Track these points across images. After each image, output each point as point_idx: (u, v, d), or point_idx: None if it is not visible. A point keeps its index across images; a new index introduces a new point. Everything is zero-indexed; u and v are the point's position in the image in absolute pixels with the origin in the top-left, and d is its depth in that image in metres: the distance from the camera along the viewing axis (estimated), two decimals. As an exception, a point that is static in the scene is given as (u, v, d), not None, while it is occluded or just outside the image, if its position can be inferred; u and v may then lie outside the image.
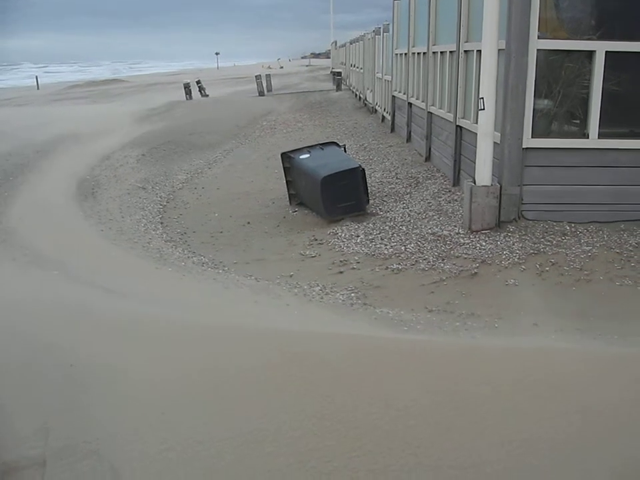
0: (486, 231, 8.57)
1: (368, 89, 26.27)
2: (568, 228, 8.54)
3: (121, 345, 5.10)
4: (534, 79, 8.40)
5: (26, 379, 4.49)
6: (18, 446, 3.61)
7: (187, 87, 33.85)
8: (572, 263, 7.52)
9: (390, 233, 9.19)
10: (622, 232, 8.38)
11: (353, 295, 7.20)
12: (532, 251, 7.89)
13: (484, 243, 8.23)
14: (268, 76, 38.94)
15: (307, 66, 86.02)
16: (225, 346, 5.02)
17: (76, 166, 15.37)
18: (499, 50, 8.46)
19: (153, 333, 5.44)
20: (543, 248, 7.96)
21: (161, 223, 10.93)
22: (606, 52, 8.32)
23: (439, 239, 8.62)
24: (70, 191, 12.73)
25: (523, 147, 8.56)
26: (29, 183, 13.40)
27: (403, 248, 8.49)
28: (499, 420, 3.73)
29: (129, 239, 9.64)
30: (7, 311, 5.99)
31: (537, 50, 8.34)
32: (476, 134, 8.98)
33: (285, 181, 11.69)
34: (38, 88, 52.43)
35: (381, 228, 9.47)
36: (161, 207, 12.06)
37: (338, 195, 10.22)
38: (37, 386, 4.36)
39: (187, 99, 32.77)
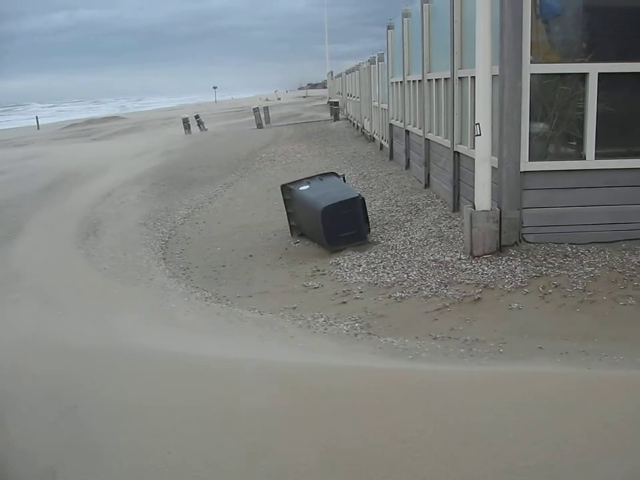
0: (487, 256, 8.57)
1: (365, 117, 26.44)
2: (569, 249, 8.53)
3: (124, 384, 5.09)
4: (529, 103, 8.46)
5: (31, 420, 4.48)
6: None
7: (185, 122, 34.17)
8: (575, 285, 7.51)
9: (392, 261, 9.20)
10: (623, 251, 8.37)
11: (356, 324, 7.19)
12: (534, 274, 7.88)
13: (486, 268, 8.23)
14: (266, 108, 39.27)
15: (304, 97, 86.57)
16: (229, 381, 5.02)
17: (77, 204, 15.44)
18: (493, 76, 8.54)
19: (156, 370, 5.44)
20: (545, 270, 7.96)
21: (164, 259, 10.95)
22: (599, 73, 8.38)
23: (441, 265, 8.62)
24: (71, 229, 12.77)
25: (521, 170, 8.60)
26: (30, 222, 13.46)
27: (405, 276, 8.49)
28: (504, 448, 3.71)
29: (132, 276, 9.65)
30: (10, 352, 6.00)
31: (531, 74, 8.41)
32: (474, 159, 9.02)
33: (285, 213, 11.73)
34: (38, 128, 52.82)
35: (383, 256, 9.48)
36: (162, 242, 12.09)
37: (339, 225, 10.25)
38: (42, 427, 4.36)
39: (185, 133, 33.02)
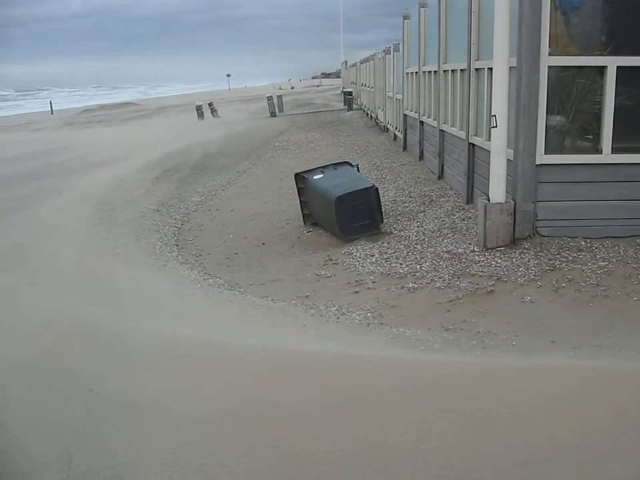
0: (501, 248, 8.56)
1: (379, 107, 26.37)
2: (583, 243, 8.51)
3: (140, 370, 5.13)
4: (546, 95, 8.42)
5: (47, 404, 4.53)
6: (42, 472, 3.64)
7: (199, 109, 34.20)
8: (588, 279, 7.50)
9: (405, 251, 9.20)
10: (638, 247, 8.34)
11: (369, 314, 7.20)
12: (548, 268, 7.87)
13: (499, 261, 8.21)
14: (279, 97, 39.21)
15: (317, 86, 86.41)
16: (242, 369, 5.04)
17: (90, 190, 15.49)
18: (510, 67, 8.50)
19: (168, 356, 5.47)
20: (558, 264, 7.94)
21: (176, 245, 10.98)
22: (617, 67, 8.33)
23: (454, 257, 8.62)
24: (85, 214, 12.82)
25: (536, 163, 8.57)
26: (44, 206, 13.52)
27: (418, 267, 8.49)
28: (521, 440, 3.72)
29: (145, 262, 9.69)
30: (26, 335, 6.05)
31: (548, 67, 8.37)
32: (489, 151, 9.00)
33: (298, 202, 11.73)
34: (52, 113, 52.96)
35: (396, 247, 9.47)
36: (175, 229, 12.12)
37: (352, 215, 10.24)
38: (58, 411, 4.40)
39: (199, 120, 33.05)
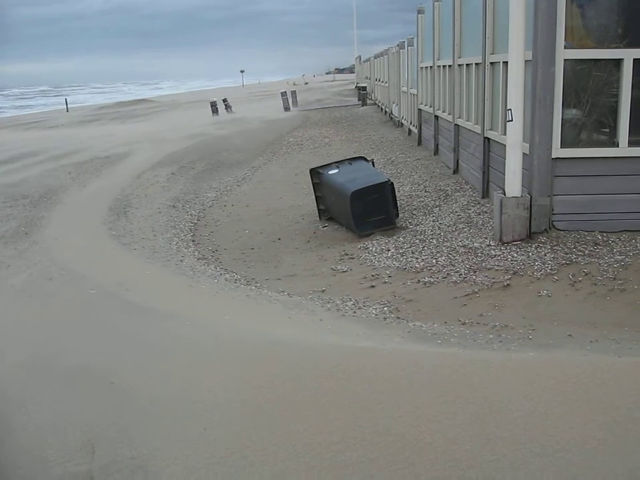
0: (517, 242, 8.55)
1: (393, 102, 26.34)
2: (600, 237, 8.49)
3: (159, 363, 5.18)
4: (561, 89, 8.40)
5: (68, 396, 4.59)
6: (65, 462, 3.70)
7: (213, 105, 34.29)
8: (605, 273, 7.48)
9: (420, 246, 9.21)
10: (655, 240, 8.31)
11: (385, 309, 7.23)
12: (564, 262, 7.86)
13: (515, 255, 8.21)
14: (293, 92, 39.22)
15: (331, 81, 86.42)
16: (260, 362, 5.08)
17: (107, 186, 15.61)
18: (526, 61, 8.48)
19: (189, 350, 5.53)
20: (575, 258, 7.93)
21: (193, 241, 11.05)
22: (634, 59, 8.30)
23: (470, 251, 8.62)
24: (102, 210, 12.92)
25: (552, 157, 8.55)
26: (62, 203, 13.64)
27: (434, 261, 8.50)
28: (540, 432, 3.73)
29: (162, 257, 9.76)
30: (46, 328, 6.13)
31: (564, 60, 8.35)
32: (504, 145, 8.99)
33: (314, 197, 11.76)
34: (67, 110, 53.23)
35: (412, 241, 9.49)
36: (192, 224, 12.19)
37: (367, 210, 10.27)
38: (80, 402, 4.46)
39: (213, 116, 33.14)
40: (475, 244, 8.85)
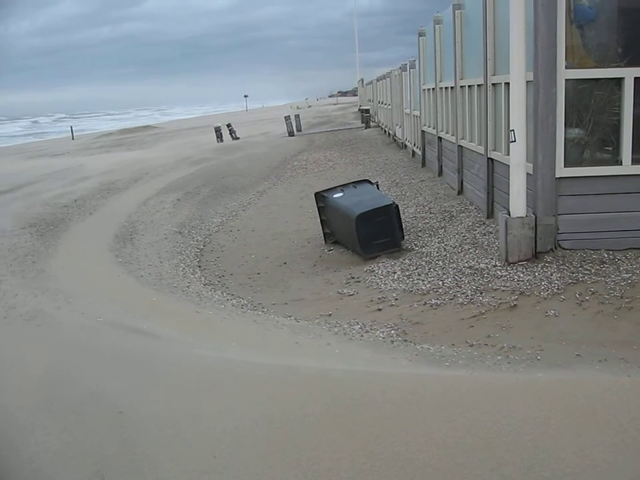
0: (523, 263, 8.55)
1: (397, 124, 26.45)
2: (606, 255, 8.48)
3: (167, 391, 5.17)
4: (563, 108, 8.44)
5: (77, 425, 4.58)
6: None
7: (217, 130, 34.50)
8: (612, 291, 7.46)
9: (426, 268, 9.21)
10: (661, 258, 8.29)
11: (392, 332, 7.21)
12: (571, 281, 7.84)
13: (522, 275, 8.20)
14: (297, 116, 39.42)
15: (334, 104, 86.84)
16: (268, 388, 5.07)
17: (113, 213, 15.66)
18: (527, 82, 8.53)
19: (196, 377, 5.52)
20: (581, 277, 7.92)
21: (199, 267, 11.07)
22: (634, 78, 8.34)
23: (476, 272, 8.61)
24: (108, 238, 12.95)
25: (556, 176, 8.57)
26: (69, 231, 13.68)
27: (440, 283, 8.50)
28: (550, 455, 3.71)
29: (169, 284, 9.77)
30: (54, 357, 6.12)
31: (565, 80, 8.40)
32: (508, 166, 9.02)
33: (319, 220, 11.80)
34: (73, 138, 53.58)
35: (418, 263, 9.49)
36: (198, 250, 12.22)
37: (373, 232, 10.29)
38: (89, 431, 4.45)
39: (218, 142, 33.31)
40: (481, 265, 8.84)
